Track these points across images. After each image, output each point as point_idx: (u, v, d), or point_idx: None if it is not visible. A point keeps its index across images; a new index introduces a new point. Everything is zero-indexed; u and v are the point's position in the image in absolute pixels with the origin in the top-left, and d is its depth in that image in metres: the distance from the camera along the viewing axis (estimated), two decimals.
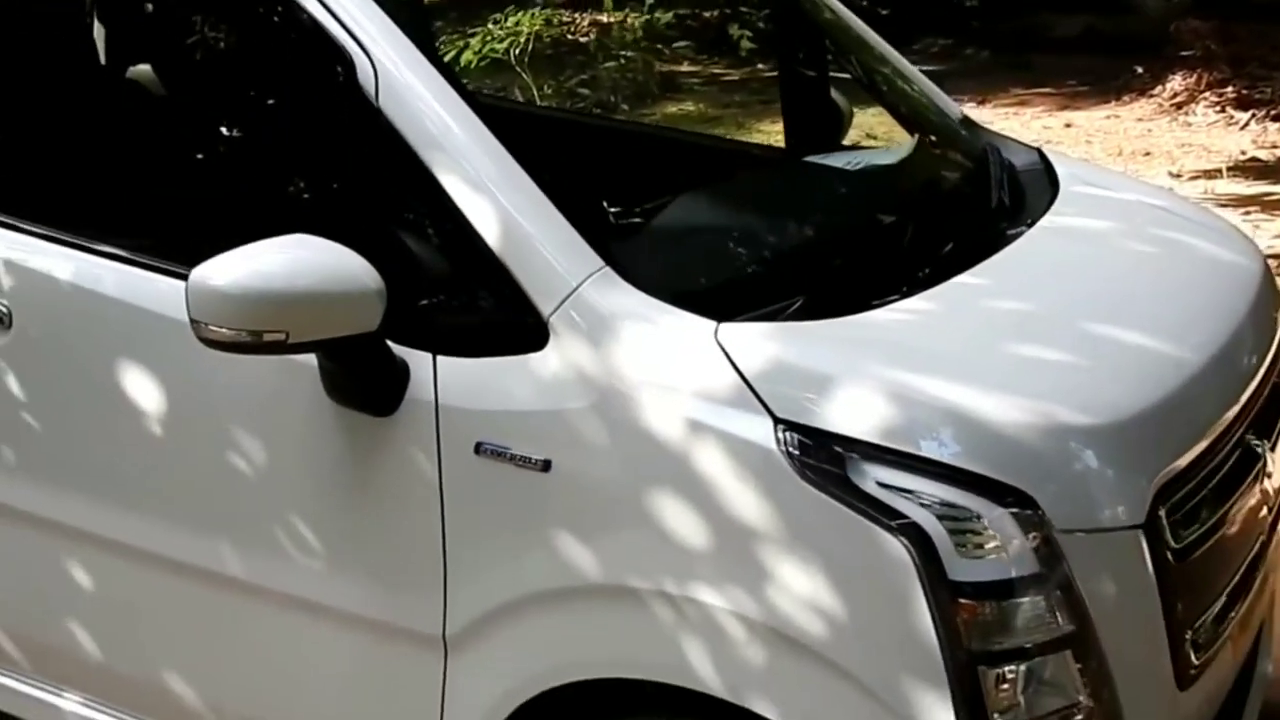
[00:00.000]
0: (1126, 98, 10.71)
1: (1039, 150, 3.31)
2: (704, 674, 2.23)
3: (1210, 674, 2.40)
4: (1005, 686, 2.12)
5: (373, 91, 2.37)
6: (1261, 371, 2.61)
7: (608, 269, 2.29)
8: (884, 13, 15.23)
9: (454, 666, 2.45)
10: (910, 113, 3.42)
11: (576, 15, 10.92)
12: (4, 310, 2.77)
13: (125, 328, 2.65)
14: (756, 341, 2.23)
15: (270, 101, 2.66)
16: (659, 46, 12.24)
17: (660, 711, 2.33)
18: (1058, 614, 2.13)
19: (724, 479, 2.16)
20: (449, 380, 2.35)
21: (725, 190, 2.79)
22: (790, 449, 2.12)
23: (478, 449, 2.32)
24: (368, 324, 2.28)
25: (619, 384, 2.23)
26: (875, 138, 3.73)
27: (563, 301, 2.27)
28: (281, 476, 2.56)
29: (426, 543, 2.40)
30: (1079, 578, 2.12)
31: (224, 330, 2.24)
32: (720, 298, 2.31)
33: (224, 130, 2.78)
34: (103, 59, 3.55)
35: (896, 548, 2.07)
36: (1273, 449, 2.62)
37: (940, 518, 2.09)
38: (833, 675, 2.14)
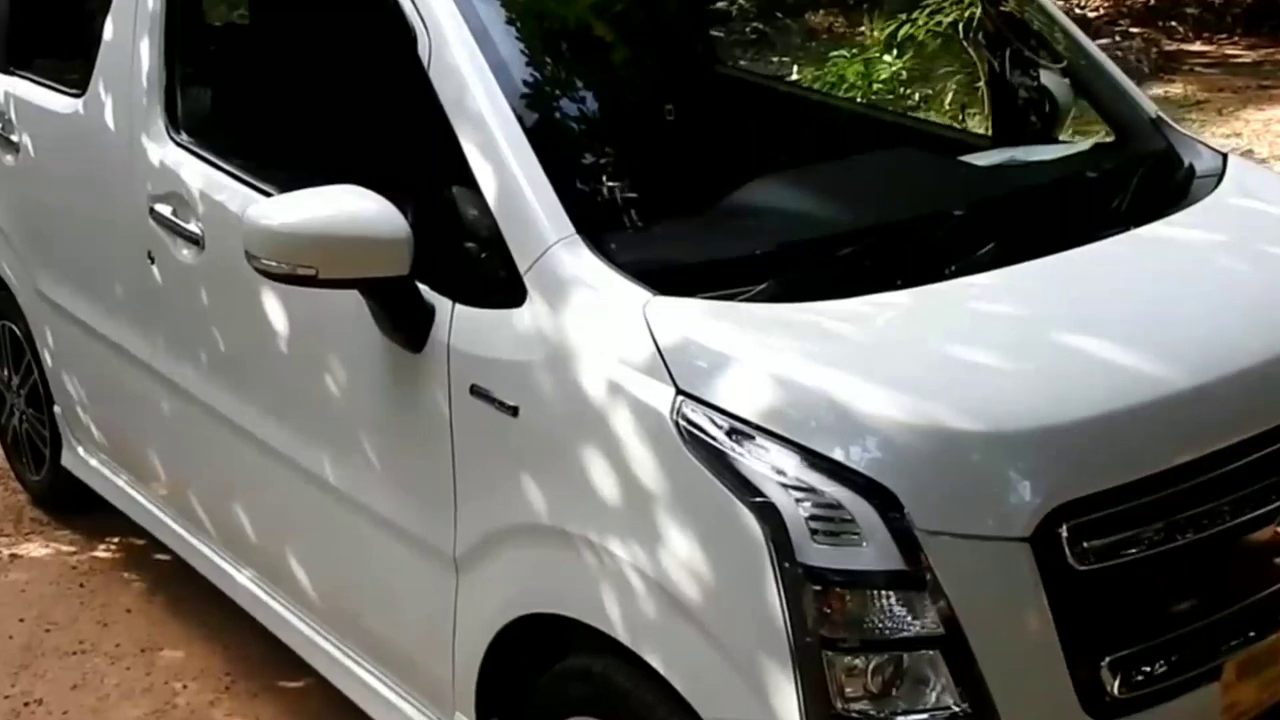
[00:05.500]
0: None
1: (1224, 156, 3.14)
2: (614, 619, 2.37)
3: (1161, 712, 2.29)
4: (854, 677, 2.14)
5: (427, 61, 2.65)
6: None
7: (576, 236, 2.46)
8: None
9: (463, 583, 2.71)
10: (1099, 108, 3.33)
11: None
12: (201, 232, 3.27)
13: None
14: (681, 316, 2.33)
15: (358, 67, 3.01)
16: (1161, 22, 11.55)
17: (591, 650, 2.49)
18: (920, 613, 2.12)
19: (632, 441, 2.30)
20: (460, 325, 2.60)
21: (760, 181, 2.80)
22: (680, 419, 2.23)
23: (472, 390, 2.56)
24: (398, 268, 2.56)
25: (565, 342, 2.41)
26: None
27: (535, 260, 2.47)
28: (352, 394, 2.91)
29: (442, 469, 2.67)
30: (947, 581, 2.11)
31: (269, 262, 2.59)
32: (671, 274, 2.41)
33: (325, 89, 3.16)
34: None
35: (753, 525, 2.14)
36: None
37: (801, 502, 2.13)
38: (704, 638, 2.23)
